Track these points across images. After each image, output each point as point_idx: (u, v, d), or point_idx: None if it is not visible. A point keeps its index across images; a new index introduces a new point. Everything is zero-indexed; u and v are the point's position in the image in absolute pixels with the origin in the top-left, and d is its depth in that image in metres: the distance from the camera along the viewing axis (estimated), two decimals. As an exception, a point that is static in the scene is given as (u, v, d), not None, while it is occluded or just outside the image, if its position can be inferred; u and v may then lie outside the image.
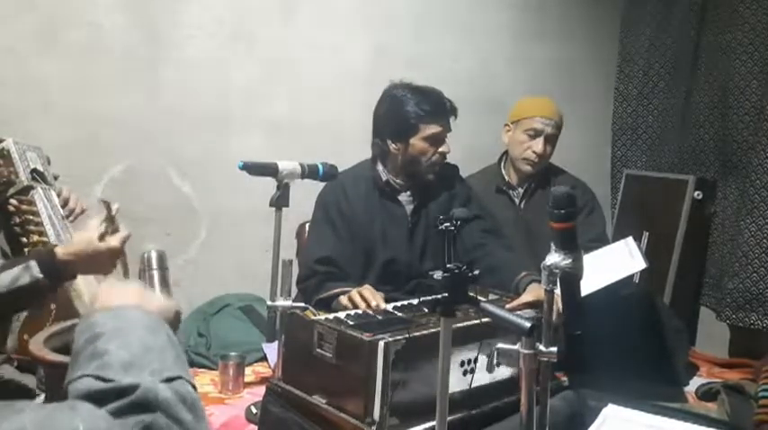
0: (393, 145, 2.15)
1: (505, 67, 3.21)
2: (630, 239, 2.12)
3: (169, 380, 0.69)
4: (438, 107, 2.14)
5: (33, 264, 1.25)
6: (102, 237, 1.32)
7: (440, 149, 2.15)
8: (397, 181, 2.20)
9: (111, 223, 1.36)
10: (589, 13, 3.37)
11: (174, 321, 0.89)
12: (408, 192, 2.21)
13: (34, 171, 1.71)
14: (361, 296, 1.83)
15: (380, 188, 2.20)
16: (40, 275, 1.24)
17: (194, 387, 0.73)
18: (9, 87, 2.49)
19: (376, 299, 1.81)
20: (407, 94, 2.15)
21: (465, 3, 3.12)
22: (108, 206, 1.36)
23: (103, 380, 0.67)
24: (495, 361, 1.53)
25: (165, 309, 0.87)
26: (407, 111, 2.12)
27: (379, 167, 2.22)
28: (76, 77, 2.56)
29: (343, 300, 1.89)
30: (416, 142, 2.13)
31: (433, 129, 2.12)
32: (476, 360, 1.48)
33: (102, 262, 1.34)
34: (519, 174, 2.52)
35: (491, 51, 3.19)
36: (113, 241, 1.35)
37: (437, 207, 2.19)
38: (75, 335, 0.76)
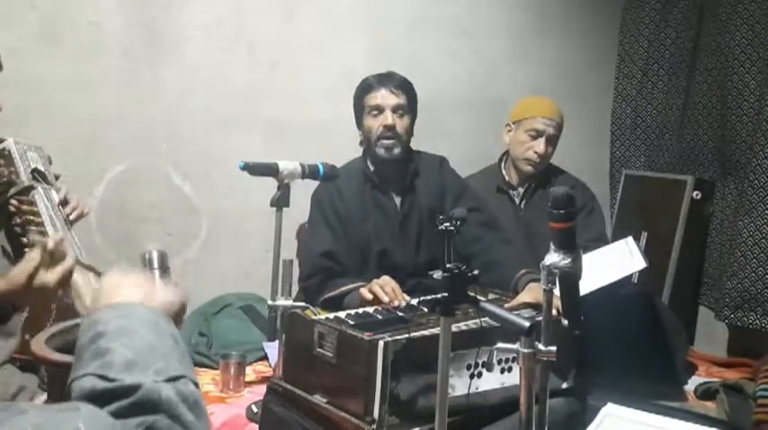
0: (359, 131, 2.21)
1: (505, 67, 3.21)
2: (630, 239, 2.13)
3: (172, 379, 0.69)
4: (378, 80, 2.17)
5: None
6: (33, 273, 1.26)
7: (382, 122, 2.14)
8: (373, 166, 2.22)
9: (49, 257, 1.27)
10: (588, 14, 3.37)
11: (180, 313, 0.88)
12: (395, 184, 2.22)
13: (35, 171, 1.71)
14: (383, 289, 1.83)
15: (371, 181, 2.21)
16: None
17: (197, 385, 0.73)
18: (9, 87, 2.48)
19: (398, 291, 1.82)
20: (367, 77, 2.22)
21: (465, 3, 3.12)
22: (44, 244, 1.28)
23: (106, 379, 0.67)
24: (502, 364, 1.54)
25: (170, 304, 0.86)
26: (357, 93, 2.21)
27: (368, 160, 2.24)
28: (76, 77, 2.56)
29: (366, 293, 1.88)
30: (365, 121, 2.18)
31: (373, 100, 2.16)
32: (483, 364, 1.48)
33: (36, 299, 1.30)
34: (520, 174, 2.52)
35: (491, 51, 3.19)
36: (50, 276, 1.29)
37: (428, 199, 2.20)
38: (80, 332, 0.76)
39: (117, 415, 0.64)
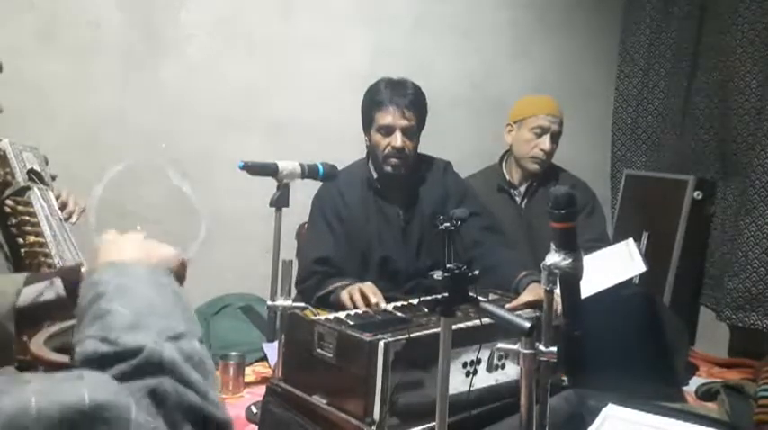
0: (365, 138, 2.18)
1: (506, 66, 3.21)
2: (631, 241, 2.12)
3: (175, 337, 0.68)
4: (387, 96, 2.08)
5: (58, 281, 1.25)
6: None
7: (392, 142, 2.09)
8: (378, 176, 2.20)
9: None
10: (589, 13, 3.37)
11: (181, 270, 0.86)
12: (398, 190, 2.21)
13: (31, 171, 1.70)
14: (361, 294, 1.83)
15: (373, 187, 2.20)
16: (64, 293, 1.25)
17: (201, 341, 0.71)
18: (8, 87, 2.48)
19: (377, 296, 1.81)
20: (379, 84, 2.14)
21: (465, 2, 3.12)
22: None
23: (107, 341, 0.65)
24: (495, 361, 1.54)
25: (170, 259, 0.84)
26: (368, 102, 2.13)
27: (371, 165, 2.23)
28: (76, 77, 2.56)
29: (344, 294, 1.88)
30: (373, 133, 2.13)
31: (381, 119, 2.09)
32: (479, 361, 1.48)
33: None
34: (524, 173, 2.52)
35: (491, 51, 3.19)
36: None
37: (430, 204, 2.19)
38: (80, 292, 0.75)
39: (120, 378, 0.63)
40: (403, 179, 2.17)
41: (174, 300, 0.74)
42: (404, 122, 2.09)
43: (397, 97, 2.09)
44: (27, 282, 1.26)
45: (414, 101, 2.11)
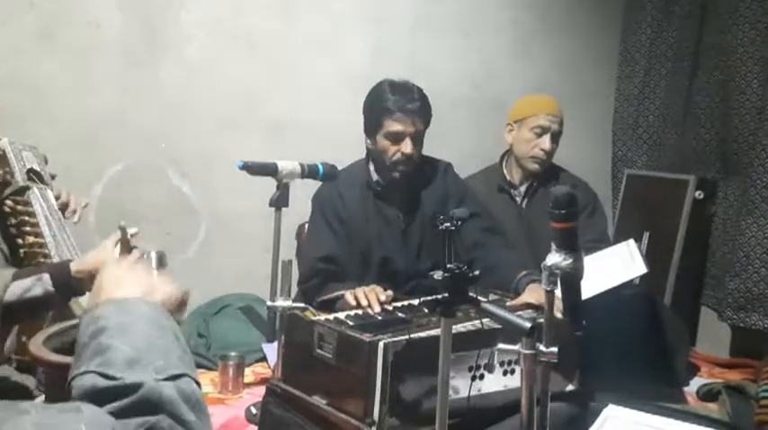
0: (368, 141, 2.16)
1: (506, 66, 3.20)
2: (632, 242, 2.11)
3: (173, 377, 0.68)
4: (400, 103, 2.06)
5: (47, 277, 1.25)
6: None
7: (402, 149, 2.09)
8: (382, 180, 2.19)
9: (126, 248, 1.33)
10: (590, 13, 3.36)
11: (181, 307, 0.86)
12: (398, 192, 2.20)
13: (30, 171, 1.70)
14: (364, 294, 1.83)
15: (373, 189, 2.19)
16: (52, 289, 1.24)
17: (198, 384, 0.72)
18: (9, 87, 2.49)
19: (379, 298, 1.80)
20: (384, 88, 2.11)
21: (465, 2, 3.12)
22: (124, 230, 1.34)
23: (107, 377, 0.66)
24: (506, 367, 1.52)
25: (171, 299, 0.84)
26: (374, 107, 2.10)
27: (371, 166, 2.22)
28: (76, 77, 2.56)
29: (349, 297, 1.88)
30: (380, 139, 2.11)
31: (391, 126, 2.07)
32: (485, 365, 1.46)
33: None
34: (524, 173, 2.51)
35: (492, 51, 3.18)
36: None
37: (431, 206, 2.18)
38: (80, 328, 0.75)
39: (117, 414, 0.63)
40: (404, 181, 2.16)
41: (173, 339, 0.75)
42: (413, 129, 2.09)
43: (406, 104, 2.07)
44: (15, 278, 1.25)
45: (422, 107, 2.10)
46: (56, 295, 1.25)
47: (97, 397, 0.64)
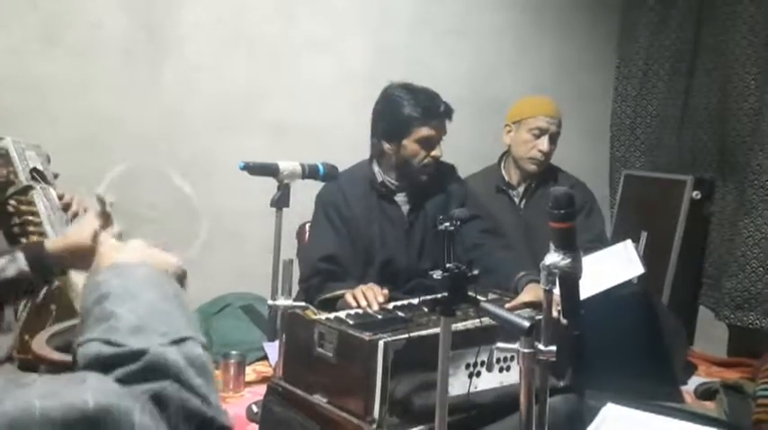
0: (387, 145, 2.16)
1: (505, 67, 3.21)
2: (629, 242, 2.12)
3: (178, 341, 0.68)
4: (432, 110, 2.11)
5: (20, 256, 1.22)
6: (95, 236, 1.26)
7: (432, 153, 2.13)
8: (392, 182, 2.20)
9: (105, 219, 1.32)
10: (588, 14, 3.37)
11: (182, 275, 0.86)
12: (404, 194, 2.22)
13: (34, 170, 1.71)
14: (363, 294, 1.84)
15: (377, 189, 2.20)
16: (27, 268, 1.21)
17: (204, 346, 0.71)
18: (9, 87, 2.49)
19: (377, 298, 1.81)
20: (404, 94, 2.13)
21: (464, 3, 3.13)
22: (102, 201, 1.32)
23: (111, 344, 0.65)
24: (502, 364, 1.54)
25: (171, 266, 0.84)
26: (401, 113, 2.11)
27: (375, 168, 2.22)
28: (76, 77, 2.56)
29: (349, 297, 1.89)
30: (408, 144, 2.12)
31: (425, 131, 2.10)
32: (482, 363, 1.48)
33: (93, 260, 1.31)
34: (522, 174, 2.52)
35: (490, 52, 3.19)
36: (109, 238, 1.31)
37: (434, 207, 2.19)
38: (83, 294, 0.75)
39: (123, 381, 0.62)
40: (428, 183, 2.19)
41: (176, 303, 0.74)
42: (443, 133, 2.15)
43: (437, 110, 2.12)
44: None
45: (447, 110, 2.14)
46: (31, 274, 1.23)
47: (102, 364, 0.64)
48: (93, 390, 0.58)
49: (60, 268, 1.31)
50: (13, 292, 1.28)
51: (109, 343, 0.65)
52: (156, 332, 0.67)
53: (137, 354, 0.64)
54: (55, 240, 1.30)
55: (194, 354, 0.68)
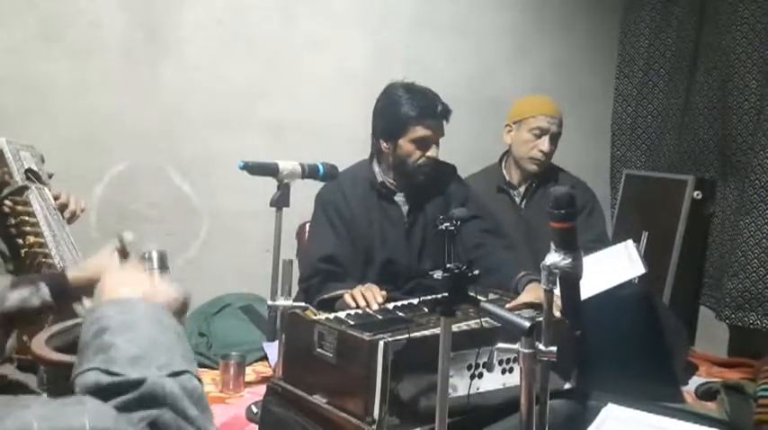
0: (384, 144, 2.16)
1: (505, 67, 3.21)
2: (630, 242, 2.12)
3: (176, 374, 0.69)
4: (428, 110, 2.10)
5: (44, 287, 1.24)
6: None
7: (427, 153, 2.12)
8: (392, 181, 2.20)
9: (123, 257, 1.33)
10: (589, 14, 3.37)
11: (182, 309, 0.88)
12: (403, 194, 2.21)
13: (29, 171, 1.70)
14: (362, 295, 1.84)
15: (377, 189, 2.20)
16: (50, 299, 1.24)
17: (200, 381, 0.73)
18: (9, 87, 2.49)
19: (376, 298, 1.81)
20: (402, 93, 2.13)
21: (465, 3, 3.12)
22: (122, 240, 1.33)
23: (110, 373, 0.67)
24: (504, 365, 1.53)
25: (172, 300, 0.86)
26: (397, 112, 2.11)
27: (375, 168, 2.22)
28: (76, 77, 2.56)
29: (347, 298, 1.89)
30: (404, 143, 2.12)
31: (420, 132, 2.10)
32: (484, 364, 1.47)
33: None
34: (523, 174, 2.52)
35: (491, 52, 3.19)
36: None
37: (434, 207, 2.19)
38: (83, 327, 0.76)
39: (121, 409, 0.63)
40: (426, 183, 2.18)
41: (175, 337, 0.75)
42: (440, 134, 2.14)
43: (434, 109, 2.11)
44: (12, 286, 1.25)
45: (444, 111, 2.13)
46: (54, 304, 1.25)
47: (100, 393, 0.65)
48: (90, 415, 0.59)
49: (79, 297, 1.33)
50: (32, 320, 1.30)
51: (108, 372, 0.67)
52: (154, 363, 0.69)
53: (135, 384, 0.66)
54: (76, 270, 1.31)
55: (191, 386, 0.69)
